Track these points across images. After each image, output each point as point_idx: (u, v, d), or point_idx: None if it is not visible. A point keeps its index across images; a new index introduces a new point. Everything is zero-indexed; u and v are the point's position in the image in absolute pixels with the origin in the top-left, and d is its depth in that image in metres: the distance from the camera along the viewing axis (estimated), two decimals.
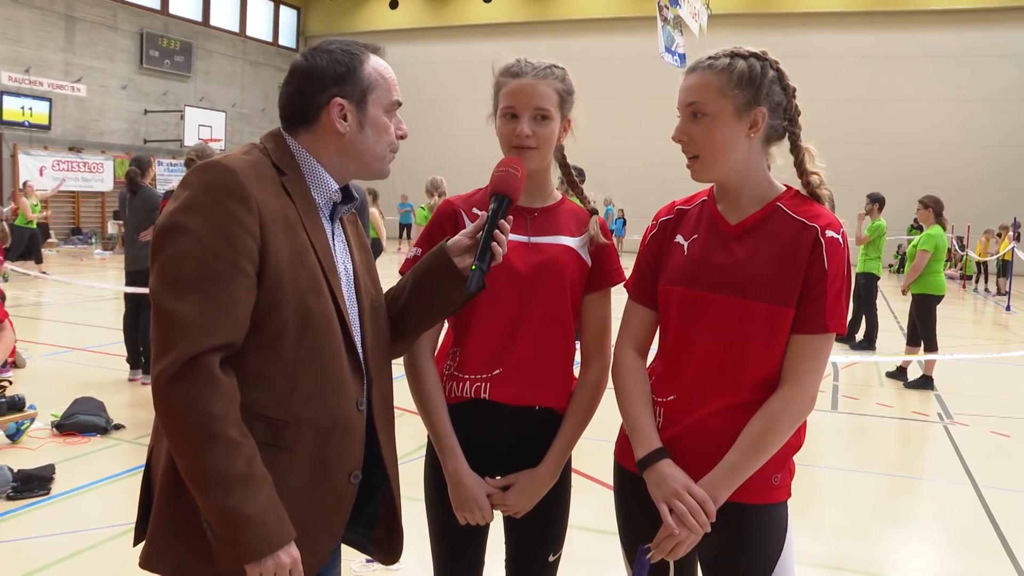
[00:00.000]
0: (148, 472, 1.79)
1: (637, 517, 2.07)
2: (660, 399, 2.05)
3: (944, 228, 8.81)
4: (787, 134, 2.02)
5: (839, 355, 9.90)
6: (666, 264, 2.07)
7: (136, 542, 1.78)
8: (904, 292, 8.92)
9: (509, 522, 2.26)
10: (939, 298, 8.73)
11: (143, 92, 26.17)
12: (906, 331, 9.21)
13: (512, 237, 2.15)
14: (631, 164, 25.87)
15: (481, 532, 2.26)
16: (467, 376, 2.19)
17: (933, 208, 8.78)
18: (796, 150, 2.04)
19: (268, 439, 1.68)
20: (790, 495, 2.04)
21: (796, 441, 2.01)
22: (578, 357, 2.30)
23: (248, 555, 1.57)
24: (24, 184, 18.51)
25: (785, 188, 2.04)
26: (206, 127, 25.81)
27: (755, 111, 1.93)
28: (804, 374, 1.92)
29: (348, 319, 1.81)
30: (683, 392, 2.00)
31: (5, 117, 21.54)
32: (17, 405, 5.19)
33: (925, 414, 7.68)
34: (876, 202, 10.60)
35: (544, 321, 2.18)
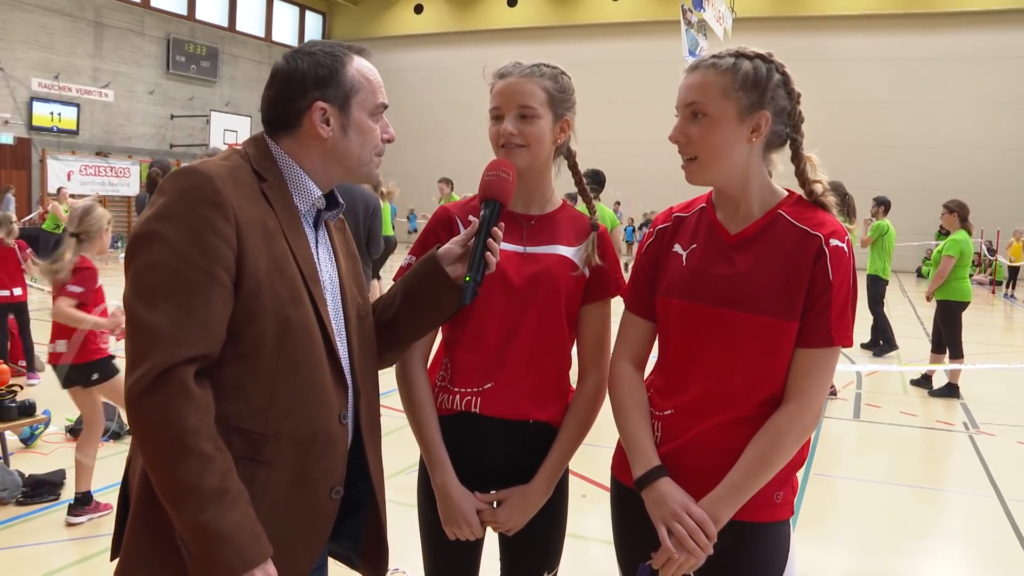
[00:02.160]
0: (125, 485, 1.75)
1: (635, 535, 2.00)
2: (658, 413, 1.98)
3: (970, 233, 8.64)
4: (789, 141, 1.93)
5: (862, 363, 9.76)
6: (664, 274, 1.99)
7: (112, 557, 1.73)
8: (929, 298, 8.76)
9: (504, 538, 2.20)
10: (964, 304, 8.57)
11: (169, 97, 26.41)
12: (931, 338, 9.05)
13: (506, 246, 2.09)
14: (654, 168, 25.68)
15: (474, 548, 2.19)
16: (458, 389, 2.13)
17: (958, 212, 8.61)
18: (798, 158, 1.95)
19: (246, 453, 1.63)
20: (792, 513, 1.96)
21: (799, 457, 1.93)
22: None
23: (222, 572, 1.52)
24: (58, 190, 18.74)
25: (787, 193, 1.96)
26: (231, 131, 25.98)
27: (758, 115, 1.85)
28: (809, 390, 1.84)
29: (331, 329, 1.75)
30: (682, 407, 1.93)
31: (35, 123, 21.81)
32: (27, 410, 5.20)
33: (950, 423, 7.52)
34: (882, 205, 10.42)
35: (538, 334, 2.11)
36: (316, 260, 1.78)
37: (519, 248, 2.13)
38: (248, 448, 1.64)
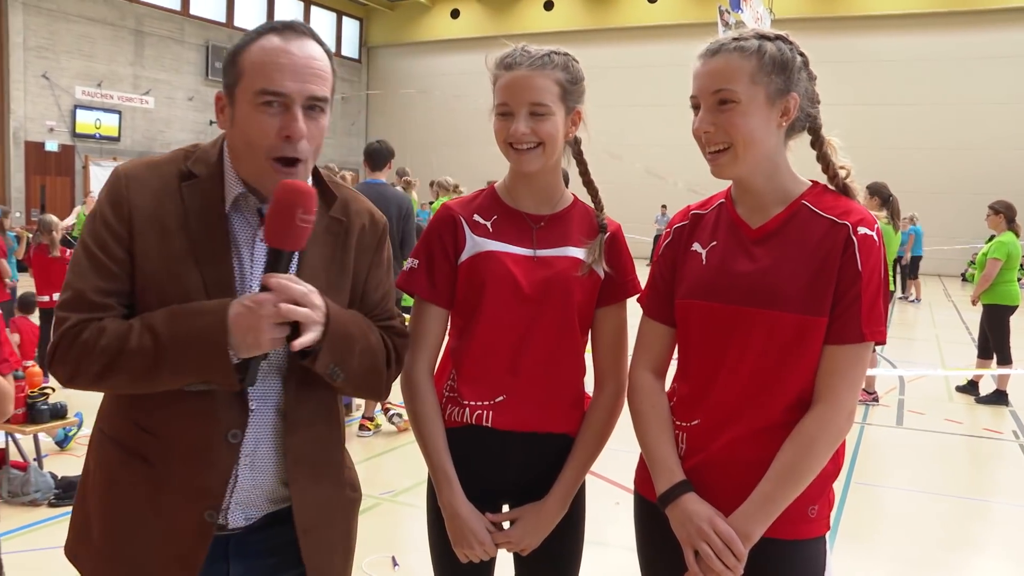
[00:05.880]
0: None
1: (662, 555, 1.88)
2: (682, 424, 1.87)
3: (1017, 235, 8.38)
4: (807, 126, 1.82)
5: (905, 367, 9.51)
6: (683, 275, 1.88)
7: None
8: (974, 302, 8.51)
9: (518, 555, 2.07)
10: (1012, 308, 8.30)
11: (208, 103, 26.61)
12: (977, 343, 8.79)
13: (515, 250, 1.98)
14: (691, 169, 25.47)
15: (487, 567, 2.08)
16: (467, 402, 2.00)
17: (1004, 214, 8.36)
18: (819, 142, 1.84)
19: (135, 445, 1.64)
20: (829, 528, 1.84)
21: (834, 467, 1.81)
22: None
23: (223, 332, 1.51)
24: (87, 195, 18.97)
25: (811, 183, 1.84)
26: None
27: (788, 98, 1.74)
28: (840, 389, 1.72)
29: None
30: (708, 416, 1.82)
31: (78, 130, 22.12)
32: (59, 413, 5.21)
33: (998, 431, 7.28)
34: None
35: (552, 342, 1.99)
36: (237, 261, 1.65)
37: (529, 252, 2.00)
38: (138, 442, 1.64)
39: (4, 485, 4.86)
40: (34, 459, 5.14)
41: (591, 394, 2.11)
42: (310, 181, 1.71)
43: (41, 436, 5.33)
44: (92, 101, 22.55)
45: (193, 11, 25.76)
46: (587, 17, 28.88)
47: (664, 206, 23.82)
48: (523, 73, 1.93)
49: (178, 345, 1.52)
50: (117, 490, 1.66)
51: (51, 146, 21.53)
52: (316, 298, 1.56)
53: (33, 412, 5.05)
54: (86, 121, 22.38)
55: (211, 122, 26.54)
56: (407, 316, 2.04)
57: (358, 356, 1.67)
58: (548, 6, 29.33)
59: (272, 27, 1.61)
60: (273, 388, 1.67)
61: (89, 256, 1.60)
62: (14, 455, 5.11)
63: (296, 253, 1.61)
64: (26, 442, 5.28)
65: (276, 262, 1.55)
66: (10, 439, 5.08)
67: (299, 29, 1.63)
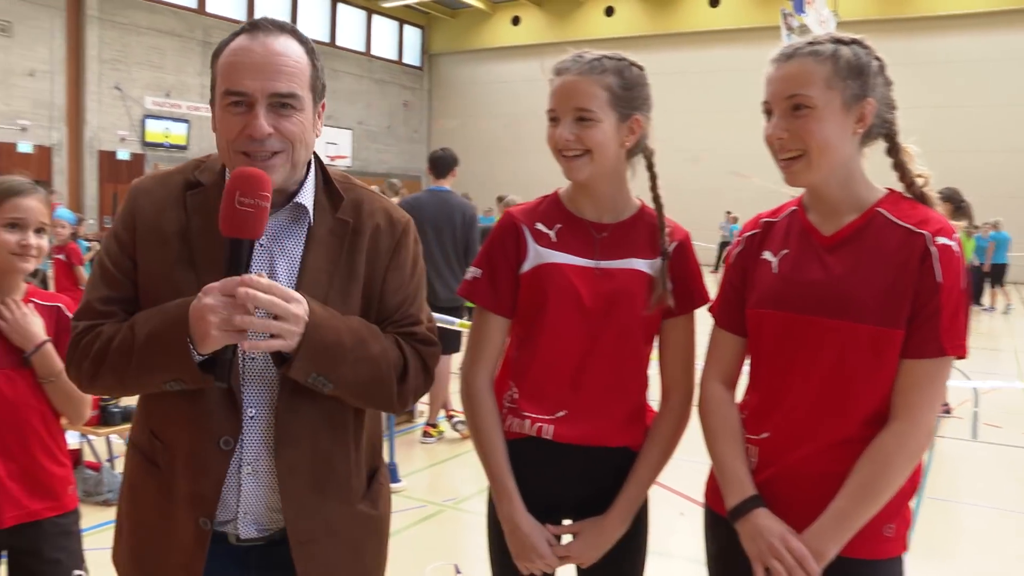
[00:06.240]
0: None
1: (730, 569, 1.84)
2: (753, 437, 1.82)
3: None
4: (884, 132, 1.76)
5: (980, 379, 9.21)
6: (754, 284, 1.83)
7: None
8: None
9: (580, 568, 2.03)
10: None
11: None
12: None
13: (577, 261, 1.94)
14: (758, 175, 25.13)
15: None
16: (527, 415, 1.97)
17: None
18: (895, 149, 1.78)
19: (149, 452, 1.69)
20: (906, 548, 1.77)
21: (911, 485, 1.74)
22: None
23: (182, 324, 1.50)
24: None
25: (886, 191, 1.78)
26: (332, 144, 26.51)
27: (864, 103, 1.69)
28: (919, 406, 1.66)
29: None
30: (779, 429, 1.77)
31: (148, 139, 22.69)
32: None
33: None
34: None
35: (615, 357, 1.94)
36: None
37: (591, 263, 1.95)
38: (152, 449, 1.69)
39: (79, 485, 4.98)
40: (107, 460, 5.27)
41: (652, 405, 2.07)
42: (304, 178, 1.68)
43: (113, 438, 5.44)
44: (161, 111, 23.13)
45: None
46: (648, 22, 28.71)
47: (728, 212, 23.54)
48: (571, 79, 1.89)
49: (147, 340, 1.54)
50: (137, 496, 1.72)
51: (122, 155, 22.14)
52: (294, 306, 1.49)
53: (105, 415, 5.16)
54: (155, 130, 22.94)
55: None
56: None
57: (351, 365, 1.59)
58: (609, 12, 29.24)
59: (244, 27, 1.61)
60: (270, 395, 1.63)
61: (100, 267, 1.68)
62: (88, 456, 5.24)
63: (284, 250, 1.64)
64: (99, 444, 5.41)
65: (232, 252, 1.49)
66: (85, 440, 5.21)
67: (267, 26, 1.59)
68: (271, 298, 1.46)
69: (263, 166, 1.54)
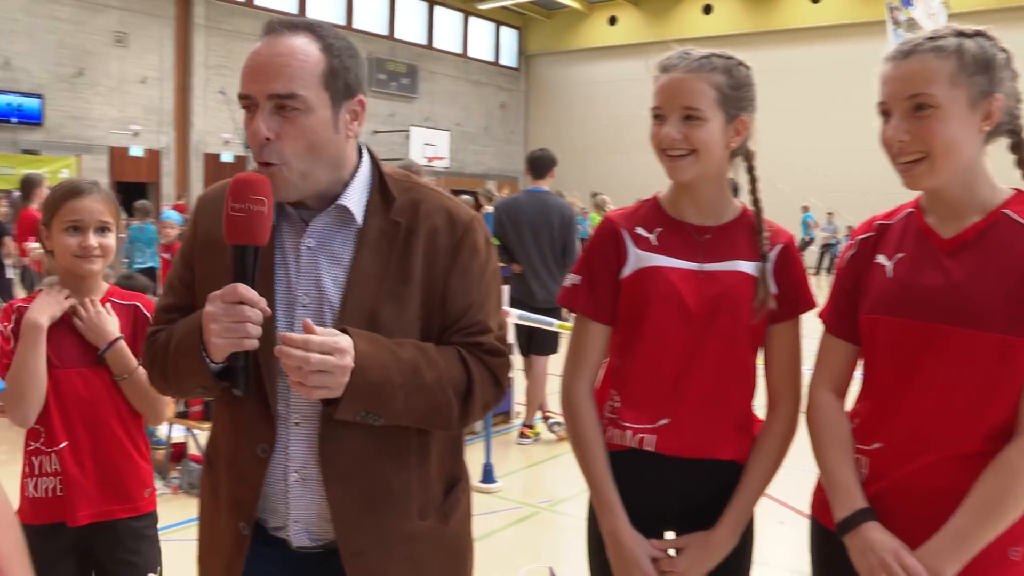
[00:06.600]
0: None
1: None
2: (864, 448, 1.73)
3: None
4: (1008, 128, 1.66)
5: None
6: (867, 289, 1.74)
7: None
8: None
9: None
10: None
11: (372, 113, 27.21)
12: None
13: (680, 264, 1.88)
14: (860, 176, 24.37)
15: None
16: (628, 425, 1.91)
17: None
18: (1021, 146, 1.67)
19: (210, 453, 1.79)
20: None
21: None
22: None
23: (198, 339, 1.53)
24: None
25: (1013, 191, 1.68)
26: (430, 145, 26.85)
27: (990, 100, 1.59)
28: None
29: (256, 354, 1.54)
30: (893, 440, 1.69)
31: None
32: None
33: None
34: None
35: (721, 363, 1.87)
36: (283, 270, 1.62)
37: (694, 266, 1.89)
38: (213, 452, 1.78)
39: (184, 477, 5.16)
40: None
41: (758, 414, 2.00)
42: (351, 179, 1.64)
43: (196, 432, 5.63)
44: None
45: (356, 25, 26.78)
46: (748, 20, 28.15)
47: (830, 213, 22.92)
48: (678, 76, 1.83)
49: (176, 347, 1.61)
50: (202, 495, 1.80)
51: (226, 157, 22.93)
52: (336, 358, 1.44)
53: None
54: None
55: (374, 132, 27.57)
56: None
57: (402, 400, 1.53)
58: (707, 10, 28.80)
59: (268, 28, 1.58)
60: (314, 405, 1.58)
61: (169, 275, 1.79)
62: (192, 449, 5.41)
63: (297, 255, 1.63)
64: (203, 437, 5.58)
65: (234, 259, 1.48)
66: (190, 434, 5.38)
67: (279, 27, 1.56)
68: (305, 354, 1.42)
69: (266, 172, 1.52)
